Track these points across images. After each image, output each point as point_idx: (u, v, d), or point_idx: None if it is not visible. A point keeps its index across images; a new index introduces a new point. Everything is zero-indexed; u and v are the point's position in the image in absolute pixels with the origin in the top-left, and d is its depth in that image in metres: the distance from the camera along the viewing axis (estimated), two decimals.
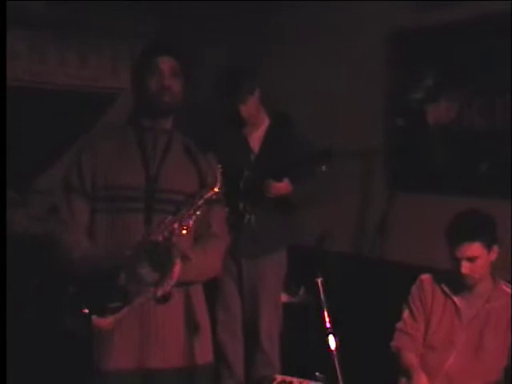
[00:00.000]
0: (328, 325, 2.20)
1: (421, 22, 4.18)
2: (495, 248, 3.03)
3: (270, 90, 4.12)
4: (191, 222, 2.48)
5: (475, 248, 2.98)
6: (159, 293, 2.39)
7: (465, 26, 4.00)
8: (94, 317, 2.38)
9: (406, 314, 3.25)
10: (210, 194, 2.50)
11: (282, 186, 3.95)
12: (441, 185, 4.17)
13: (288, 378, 3.14)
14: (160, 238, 2.43)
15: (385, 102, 4.51)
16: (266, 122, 4.19)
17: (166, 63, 2.67)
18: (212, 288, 4.17)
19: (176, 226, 2.45)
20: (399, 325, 3.25)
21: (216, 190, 2.50)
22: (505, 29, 3.78)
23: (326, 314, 2.22)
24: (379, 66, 4.47)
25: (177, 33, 5.39)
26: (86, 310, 2.37)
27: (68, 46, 5.67)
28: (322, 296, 2.20)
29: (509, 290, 3.10)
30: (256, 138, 4.17)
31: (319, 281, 2.24)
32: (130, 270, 2.39)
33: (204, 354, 2.66)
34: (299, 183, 3.96)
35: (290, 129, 4.11)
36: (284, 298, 4.46)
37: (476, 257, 2.98)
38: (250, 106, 4.06)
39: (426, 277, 3.24)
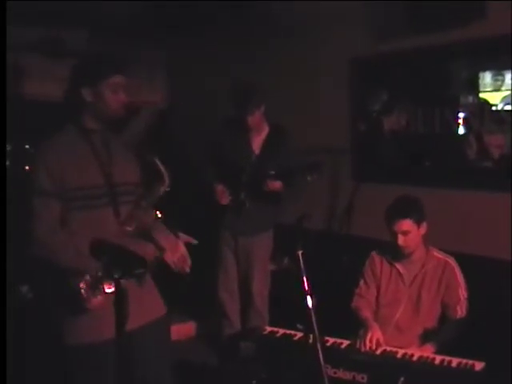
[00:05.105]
0: (306, 288, 2.28)
1: (378, 50, 4.29)
2: (424, 224, 3.17)
3: (269, 104, 4.18)
4: (156, 211, 2.54)
5: (407, 224, 3.12)
6: (187, 269, 2.56)
7: (412, 53, 4.09)
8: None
9: (361, 282, 3.46)
10: (162, 190, 2.47)
11: (277, 184, 4.07)
12: (393, 177, 4.30)
13: (275, 329, 3.25)
14: (132, 228, 2.44)
15: (351, 112, 4.64)
16: (266, 130, 4.33)
17: (121, 81, 2.47)
18: (215, 258, 4.28)
19: (141, 214, 2.46)
20: (357, 290, 3.44)
21: (166, 187, 2.46)
22: (442, 58, 3.96)
23: (305, 279, 2.30)
24: (346, 85, 4.61)
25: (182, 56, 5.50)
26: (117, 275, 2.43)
27: None
28: (302, 265, 2.28)
29: (438, 255, 3.24)
30: (257, 142, 4.29)
31: (300, 253, 2.32)
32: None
33: None
34: (290, 184, 4.12)
35: (284, 137, 4.21)
36: (272, 266, 4.54)
37: (408, 231, 3.13)
38: (256, 117, 4.17)
39: (374, 252, 3.38)
